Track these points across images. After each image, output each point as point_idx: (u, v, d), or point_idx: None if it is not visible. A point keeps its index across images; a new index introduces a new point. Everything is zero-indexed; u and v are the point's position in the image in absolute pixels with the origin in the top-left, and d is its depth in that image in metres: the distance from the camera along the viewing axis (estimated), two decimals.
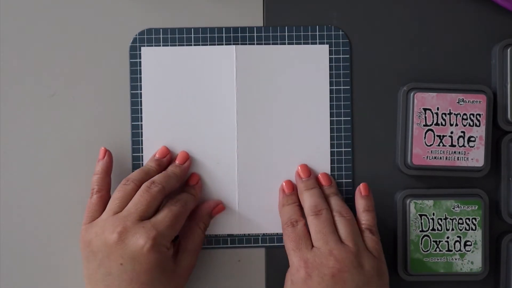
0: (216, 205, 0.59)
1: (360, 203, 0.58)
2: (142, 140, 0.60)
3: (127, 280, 0.52)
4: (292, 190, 0.59)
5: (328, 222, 0.56)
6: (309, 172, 0.59)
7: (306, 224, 0.57)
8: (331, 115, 0.60)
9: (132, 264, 0.52)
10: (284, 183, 0.60)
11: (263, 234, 0.60)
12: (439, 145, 0.58)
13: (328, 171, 0.60)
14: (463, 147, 0.59)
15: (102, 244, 0.53)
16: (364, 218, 0.57)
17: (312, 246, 0.55)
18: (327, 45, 0.60)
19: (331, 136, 0.60)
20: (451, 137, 0.58)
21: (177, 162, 0.59)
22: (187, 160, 0.59)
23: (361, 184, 0.58)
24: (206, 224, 0.59)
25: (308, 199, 0.58)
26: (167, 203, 0.56)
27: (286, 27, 0.60)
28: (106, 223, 0.54)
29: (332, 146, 0.60)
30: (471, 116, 0.58)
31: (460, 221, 0.59)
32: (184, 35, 0.60)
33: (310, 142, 0.60)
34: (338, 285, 0.53)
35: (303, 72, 0.60)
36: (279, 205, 0.60)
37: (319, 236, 0.55)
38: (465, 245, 0.59)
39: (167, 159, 0.59)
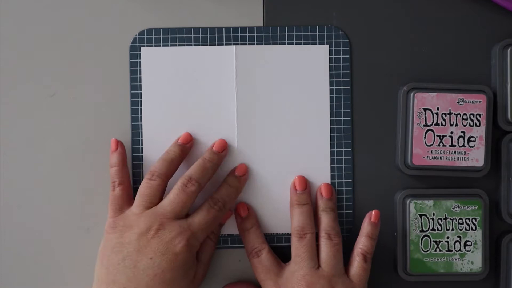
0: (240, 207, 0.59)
1: (366, 227, 0.58)
2: (142, 140, 0.60)
3: (150, 276, 0.52)
4: (247, 213, 0.59)
5: (309, 247, 0.56)
6: (305, 185, 0.59)
7: (269, 250, 0.58)
8: (331, 115, 0.60)
9: (161, 260, 0.52)
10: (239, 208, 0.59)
11: (264, 234, 0.60)
12: (439, 145, 0.58)
13: (328, 171, 0.60)
14: (463, 147, 0.59)
15: (136, 237, 0.53)
16: (363, 243, 0.57)
17: (284, 266, 0.57)
18: (327, 45, 0.60)
19: (331, 136, 0.60)
20: (451, 137, 0.58)
21: (215, 149, 0.58)
22: (225, 149, 0.59)
23: (374, 210, 0.58)
24: (217, 234, 0.59)
25: (297, 218, 0.58)
26: (206, 203, 0.56)
27: (286, 27, 0.60)
28: (141, 218, 0.54)
29: (332, 146, 0.60)
30: (471, 116, 0.58)
31: (460, 221, 0.59)
32: (184, 35, 0.60)
33: (310, 142, 0.60)
34: None
35: (303, 72, 0.60)
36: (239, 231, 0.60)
37: (297, 259, 0.56)
38: (465, 245, 0.59)
39: (190, 145, 0.59)
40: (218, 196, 0.57)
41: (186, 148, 0.59)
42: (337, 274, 0.56)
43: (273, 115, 0.60)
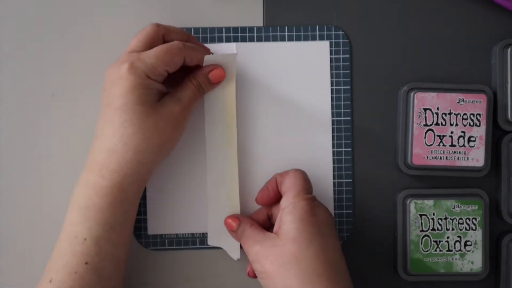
0: (214, 68, 0.57)
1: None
2: None
3: (104, 104, 0.54)
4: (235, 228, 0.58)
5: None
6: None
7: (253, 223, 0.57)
8: (331, 115, 0.60)
9: (111, 88, 0.53)
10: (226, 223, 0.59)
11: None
12: (439, 145, 0.58)
13: (330, 171, 0.60)
14: (463, 147, 0.59)
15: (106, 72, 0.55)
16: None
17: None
18: (328, 41, 0.60)
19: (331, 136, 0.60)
20: (451, 137, 0.58)
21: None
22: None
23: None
24: (200, 84, 0.56)
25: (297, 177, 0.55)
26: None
27: (286, 27, 0.60)
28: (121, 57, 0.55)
29: (332, 146, 0.60)
30: (471, 116, 0.58)
31: (460, 221, 0.59)
32: None
33: (310, 141, 0.60)
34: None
35: (304, 69, 0.60)
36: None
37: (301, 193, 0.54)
38: (465, 245, 0.59)
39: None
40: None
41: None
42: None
43: (274, 112, 0.60)
